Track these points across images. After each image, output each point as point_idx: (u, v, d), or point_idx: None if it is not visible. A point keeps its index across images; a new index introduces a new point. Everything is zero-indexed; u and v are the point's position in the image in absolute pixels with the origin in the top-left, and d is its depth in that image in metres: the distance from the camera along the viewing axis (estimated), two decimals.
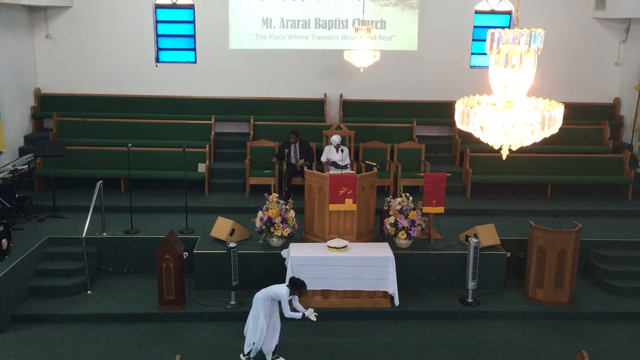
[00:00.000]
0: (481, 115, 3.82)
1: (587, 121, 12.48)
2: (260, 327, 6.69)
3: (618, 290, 8.59)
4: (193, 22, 12.63)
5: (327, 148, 10.46)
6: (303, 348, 7.28)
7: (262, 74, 12.72)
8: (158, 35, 12.76)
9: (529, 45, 3.71)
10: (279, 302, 6.73)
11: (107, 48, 12.45)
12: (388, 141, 11.30)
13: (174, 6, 12.70)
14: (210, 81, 12.70)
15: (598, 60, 12.87)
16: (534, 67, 3.81)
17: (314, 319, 6.76)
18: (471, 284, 8.17)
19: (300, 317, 6.72)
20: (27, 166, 9.83)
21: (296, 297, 6.83)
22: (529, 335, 7.69)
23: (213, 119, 12.00)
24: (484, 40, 3.91)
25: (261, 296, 6.75)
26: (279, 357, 6.95)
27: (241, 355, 6.97)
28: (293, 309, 6.80)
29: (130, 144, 9.50)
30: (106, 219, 9.12)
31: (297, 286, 6.74)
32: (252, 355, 6.83)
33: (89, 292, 8.37)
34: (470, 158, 10.98)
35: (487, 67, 3.98)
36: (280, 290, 6.71)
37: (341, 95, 12.81)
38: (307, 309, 6.79)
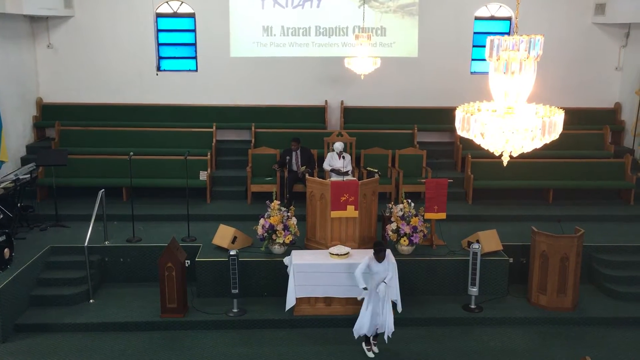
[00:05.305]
0: (481, 121, 3.82)
1: (589, 126, 12.48)
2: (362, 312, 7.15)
3: (621, 295, 8.56)
4: (194, 30, 12.68)
5: (329, 155, 10.47)
6: (306, 355, 7.27)
7: (263, 82, 12.76)
8: (159, 44, 12.81)
9: (529, 52, 3.72)
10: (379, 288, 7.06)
11: (109, 57, 12.50)
12: (389, 147, 11.31)
13: (175, 15, 12.76)
14: (212, 89, 12.73)
15: (598, 66, 12.88)
16: (533, 73, 3.82)
17: (363, 288, 7.10)
18: (472, 290, 8.15)
19: (360, 283, 7.09)
20: (29, 175, 9.85)
21: (376, 261, 7.13)
22: (532, 342, 7.67)
23: (214, 127, 12.03)
24: (484, 47, 3.92)
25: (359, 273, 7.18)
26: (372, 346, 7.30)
27: (363, 344, 7.34)
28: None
29: (132, 153, 9.53)
30: (108, 227, 9.13)
31: (376, 246, 7.16)
32: (370, 336, 7.25)
33: (91, 301, 8.37)
34: (471, 164, 10.99)
35: (487, 72, 3.99)
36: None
37: (342, 102, 12.84)
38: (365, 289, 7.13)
